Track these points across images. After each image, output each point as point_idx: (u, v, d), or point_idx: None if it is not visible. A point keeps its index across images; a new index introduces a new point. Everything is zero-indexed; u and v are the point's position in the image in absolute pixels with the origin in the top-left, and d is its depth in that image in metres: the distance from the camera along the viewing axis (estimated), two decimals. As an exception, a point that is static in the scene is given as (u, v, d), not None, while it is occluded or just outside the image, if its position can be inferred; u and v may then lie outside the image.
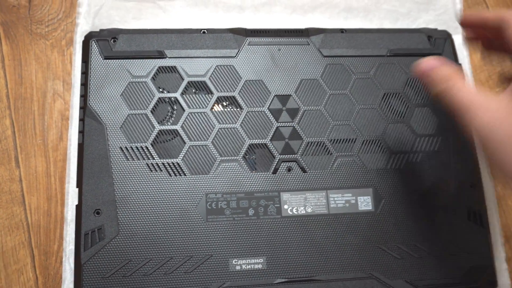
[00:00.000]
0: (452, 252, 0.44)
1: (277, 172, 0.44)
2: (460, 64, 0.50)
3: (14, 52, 0.49)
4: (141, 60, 0.45)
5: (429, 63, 0.37)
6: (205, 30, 0.47)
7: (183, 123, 0.44)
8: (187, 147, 0.43)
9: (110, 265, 0.40)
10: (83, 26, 0.49)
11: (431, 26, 0.53)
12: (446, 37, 0.50)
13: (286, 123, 0.45)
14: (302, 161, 0.44)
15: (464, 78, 0.35)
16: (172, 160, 0.43)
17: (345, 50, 0.48)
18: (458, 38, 0.53)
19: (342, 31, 0.49)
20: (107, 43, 0.45)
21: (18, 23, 0.50)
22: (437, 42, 0.49)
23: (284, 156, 0.44)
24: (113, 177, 0.42)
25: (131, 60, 0.45)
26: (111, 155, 0.42)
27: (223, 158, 0.43)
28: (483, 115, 0.32)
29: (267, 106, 0.45)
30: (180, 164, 0.43)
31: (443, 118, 0.47)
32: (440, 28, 0.52)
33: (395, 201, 0.44)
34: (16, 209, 0.44)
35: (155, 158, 0.43)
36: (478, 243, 0.44)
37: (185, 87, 0.45)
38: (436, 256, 0.43)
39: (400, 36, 0.49)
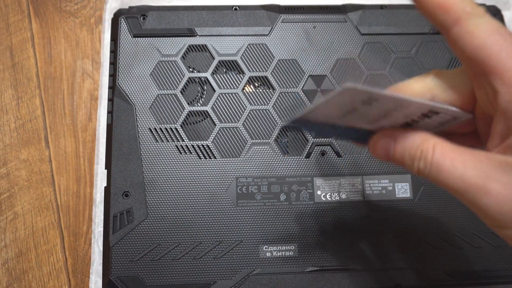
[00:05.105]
0: (496, 244, 0.41)
1: (310, 156, 0.42)
2: None
3: (44, 31, 0.48)
4: (171, 38, 0.44)
5: (380, 146, 0.26)
6: (237, 7, 0.45)
7: (214, 104, 0.42)
8: (218, 129, 0.42)
9: (139, 249, 0.39)
10: (112, 4, 0.48)
11: (479, 1, 0.50)
12: (495, 13, 0.46)
13: (320, 105, 0.43)
14: (337, 145, 0.42)
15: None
16: (202, 142, 0.42)
17: (385, 27, 0.45)
18: (508, 14, 0.49)
19: (381, 7, 0.46)
20: (136, 20, 0.44)
21: (47, 1, 0.49)
22: (485, 19, 0.46)
23: (318, 139, 0.42)
24: (142, 159, 0.41)
25: (161, 38, 0.44)
26: (140, 136, 0.41)
27: (254, 141, 0.42)
28: (489, 201, 0.22)
29: (301, 87, 0.43)
30: (210, 146, 0.41)
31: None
32: (488, 3, 0.48)
33: (435, 189, 0.42)
34: (46, 190, 0.44)
35: (185, 140, 0.41)
36: (524, 235, 0.41)
37: (215, 67, 0.43)
38: (478, 247, 0.41)
39: (445, 13, 0.46)
